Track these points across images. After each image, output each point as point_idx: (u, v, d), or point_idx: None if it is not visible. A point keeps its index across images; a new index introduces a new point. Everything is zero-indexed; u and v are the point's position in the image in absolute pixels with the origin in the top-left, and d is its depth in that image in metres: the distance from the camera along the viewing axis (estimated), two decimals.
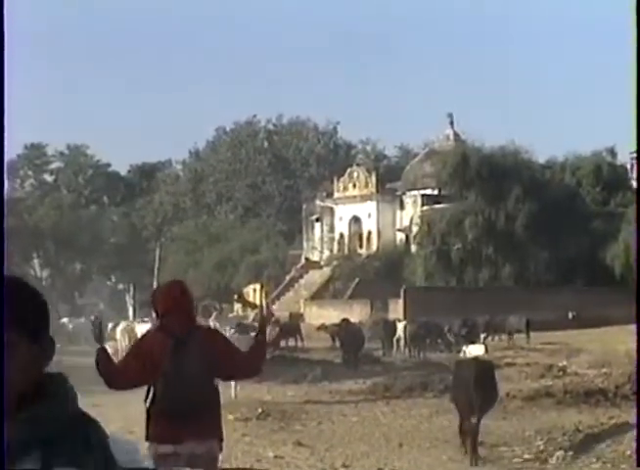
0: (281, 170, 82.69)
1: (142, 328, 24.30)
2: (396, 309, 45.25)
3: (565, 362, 26.08)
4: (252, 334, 29.12)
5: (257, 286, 60.42)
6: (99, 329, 6.79)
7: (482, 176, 52.72)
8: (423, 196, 58.42)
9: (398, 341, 33.11)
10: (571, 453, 13.31)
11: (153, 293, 6.53)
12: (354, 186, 62.78)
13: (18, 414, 1.70)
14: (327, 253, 63.08)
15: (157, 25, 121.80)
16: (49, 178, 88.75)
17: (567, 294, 46.45)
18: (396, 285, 47.89)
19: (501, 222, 52.41)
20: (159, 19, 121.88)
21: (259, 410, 17.45)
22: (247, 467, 11.79)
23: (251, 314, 52.19)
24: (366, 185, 62.19)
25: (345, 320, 31.64)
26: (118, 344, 29.47)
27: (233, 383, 17.47)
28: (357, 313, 43.60)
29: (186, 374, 5.94)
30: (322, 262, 61.61)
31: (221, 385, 6.34)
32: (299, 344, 35.71)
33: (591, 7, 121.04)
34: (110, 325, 35.72)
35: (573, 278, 49.97)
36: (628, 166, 56.76)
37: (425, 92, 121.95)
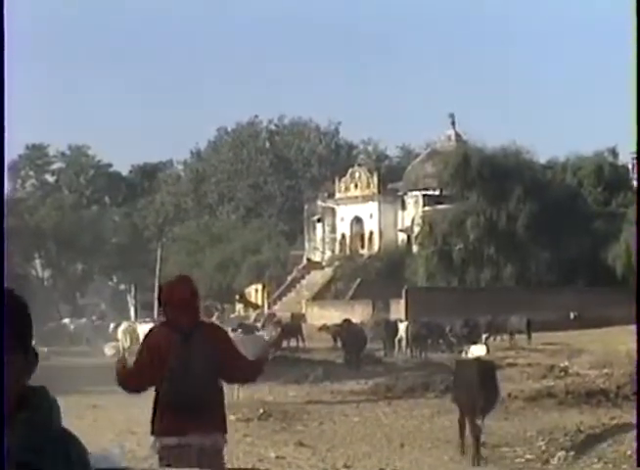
0: (282, 171, 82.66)
1: (144, 328, 24.31)
2: (398, 310, 45.27)
3: (566, 363, 26.10)
4: (257, 333, 29.06)
5: (259, 286, 60.51)
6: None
7: (484, 177, 52.72)
8: (424, 196, 58.39)
9: (400, 341, 33.12)
10: (572, 454, 13.31)
11: (160, 287, 6.56)
12: (356, 186, 62.75)
13: None
14: (328, 253, 63.07)
15: (157, 25, 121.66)
16: (50, 179, 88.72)
17: (568, 294, 46.47)
18: (398, 285, 47.89)
19: (503, 223, 52.40)
20: (159, 19, 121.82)
21: (261, 411, 17.45)
22: (248, 467, 11.78)
23: (253, 315, 52.28)
24: (368, 185, 62.16)
25: (347, 321, 31.69)
26: (120, 344, 29.60)
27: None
28: (359, 314, 43.66)
29: (192, 369, 5.97)
30: (324, 263, 61.61)
31: (224, 385, 6.34)
32: (301, 344, 35.77)
33: (591, 7, 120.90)
34: (111, 325, 35.95)
35: (575, 278, 49.97)
36: (630, 167, 56.69)
37: (426, 92, 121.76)
